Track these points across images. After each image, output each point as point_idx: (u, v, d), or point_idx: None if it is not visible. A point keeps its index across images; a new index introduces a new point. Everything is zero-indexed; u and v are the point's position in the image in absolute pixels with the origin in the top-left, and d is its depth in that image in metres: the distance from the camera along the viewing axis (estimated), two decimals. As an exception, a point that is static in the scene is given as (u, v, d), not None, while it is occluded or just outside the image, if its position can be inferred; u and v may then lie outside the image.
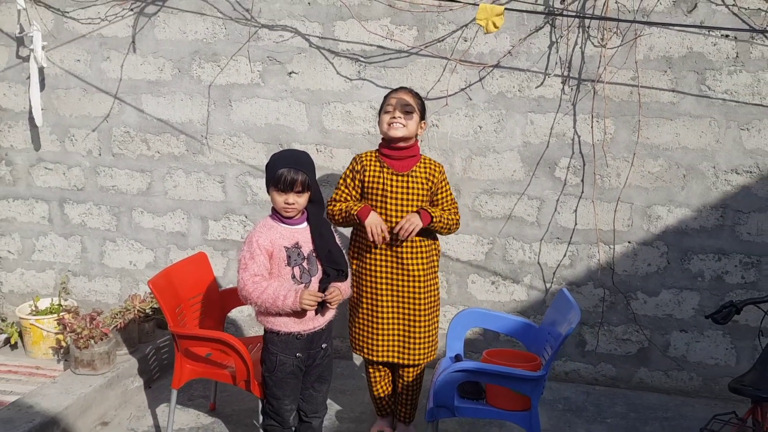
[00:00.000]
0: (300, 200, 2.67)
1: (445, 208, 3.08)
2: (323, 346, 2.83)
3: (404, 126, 2.96)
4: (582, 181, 3.72)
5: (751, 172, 3.54)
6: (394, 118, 2.96)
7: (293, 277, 2.67)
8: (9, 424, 3.00)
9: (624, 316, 3.79)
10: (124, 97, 4.13)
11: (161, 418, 3.43)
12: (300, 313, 2.68)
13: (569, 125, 3.69)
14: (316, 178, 2.76)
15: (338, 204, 3.07)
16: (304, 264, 2.70)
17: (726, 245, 3.63)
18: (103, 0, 4.03)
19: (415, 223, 2.91)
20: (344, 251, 2.85)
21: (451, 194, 3.13)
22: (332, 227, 2.86)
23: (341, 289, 2.75)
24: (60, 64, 4.15)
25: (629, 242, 3.73)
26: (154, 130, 4.13)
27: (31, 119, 4.17)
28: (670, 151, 3.61)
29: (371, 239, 2.93)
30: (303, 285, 2.68)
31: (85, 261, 4.34)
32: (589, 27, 3.56)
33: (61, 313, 3.86)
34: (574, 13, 3.51)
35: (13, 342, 4.12)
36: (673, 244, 3.69)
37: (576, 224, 3.78)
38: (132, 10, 4.02)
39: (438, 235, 3.16)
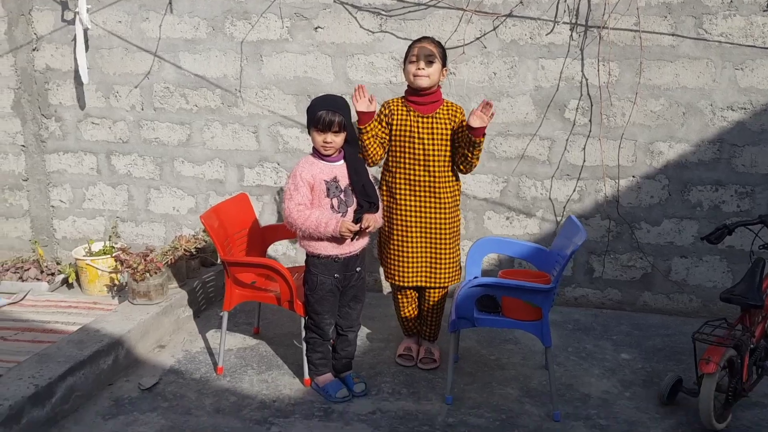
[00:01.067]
0: (337, 139, 3.01)
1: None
2: (357, 269, 3.21)
3: (428, 77, 3.27)
4: (590, 121, 4.03)
5: (745, 108, 3.83)
6: (418, 69, 3.26)
7: (332, 207, 3.03)
8: (80, 345, 3.40)
9: (629, 245, 4.13)
10: (163, 55, 4.45)
11: (211, 341, 3.84)
12: (338, 239, 3.06)
13: (577, 69, 3.98)
14: None
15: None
16: (342, 196, 3.05)
17: (723, 177, 3.94)
18: (140, -36, 4.34)
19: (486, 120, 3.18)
20: (376, 187, 3.20)
21: None
22: (366, 165, 3.20)
23: (373, 219, 3.11)
24: (103, 26, 4.47)
25: (633, 176, 4.05)
26: (192, 85, 4.46)
27: (78, 78, 4.51)
28: (670, 90, 3.90)
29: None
30: (340, 214, 3.04)
31: (132, 208, 4.73)
32: (594, -26, 3.83)
33: (115, 253, 4.26)
34: (580, -36, 3.78)
35: (70, 281, 4.54)
36: (673, 177, 4.01)
37: (584, 161, 4.09)
38: (168, -28, 4.33)
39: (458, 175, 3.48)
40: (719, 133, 3.89)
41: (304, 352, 3.31)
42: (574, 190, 4.14)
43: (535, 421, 3.04)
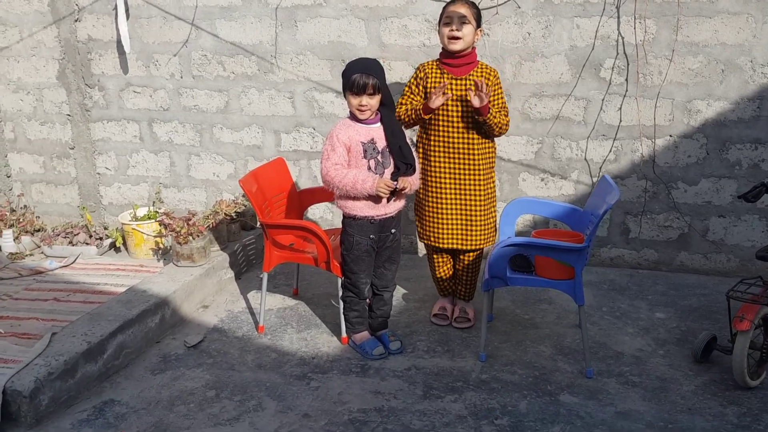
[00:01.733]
0: (372, 102, 3.04)
1: (499, 110, 3.41)
2: (393, 231, 3.28)
3: (461, 38, 3.27)
4: (626, 80, 3.98)
5: (788, 62, 3.74)
6: (452, 31, 3.26)
7: (369, 168, 3.09)
8: (129, 304, 3.56)
9: (665, 205, 4.10)
10: (200, 23, 4.53)
11: (252, 301, 3.97)
12: (374, 200, 3.12)
13: (613, 27, 3.92)
14: None
15: (404, 107, 3.44)
16: (378, 157, 3.10)
17: (762, 135, 3.87)
18: (175, -68, 4.39)
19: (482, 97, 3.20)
20: (413, 149, 3.23)
21: (503, 98, 3.43)
22: (402, 127, 3.24)
23: (410, 181, 3.15)
24: (141, -5, 4.57)
25: (670, 136, 4.01)
26: (229, 52, 4.54)
27: (119, 47, 4.62)
28: (709, 47, 3.82)
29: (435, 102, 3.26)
30: (377, 175, 3.10)
31: (174, 174, 4.87)
32: (631, -70, 3.74)
33: (159, 217, 4.41)
34: None
35: (117, 245, 4.72)
36: (711, 136, 3.95)
37: (620, 121, 4.06)
38: (202, -60, 4.38)
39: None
40: (759, 90, 3.80)
41: (341, 310, 3.41)
42: (610, 151, 4.11)
43: (567, 378, 3.09)
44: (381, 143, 3.12)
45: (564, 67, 4.05)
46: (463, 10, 3.24)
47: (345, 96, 3.10)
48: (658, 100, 3.96)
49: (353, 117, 3.13)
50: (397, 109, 3.44)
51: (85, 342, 3.16)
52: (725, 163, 3.96)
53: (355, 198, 3.12)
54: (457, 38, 3.24)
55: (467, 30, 3.25)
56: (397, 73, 4.30)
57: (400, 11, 4.20)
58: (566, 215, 3.51)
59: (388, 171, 3.13)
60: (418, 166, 3.26)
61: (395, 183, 3.09)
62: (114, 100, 4.81)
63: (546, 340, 3.45)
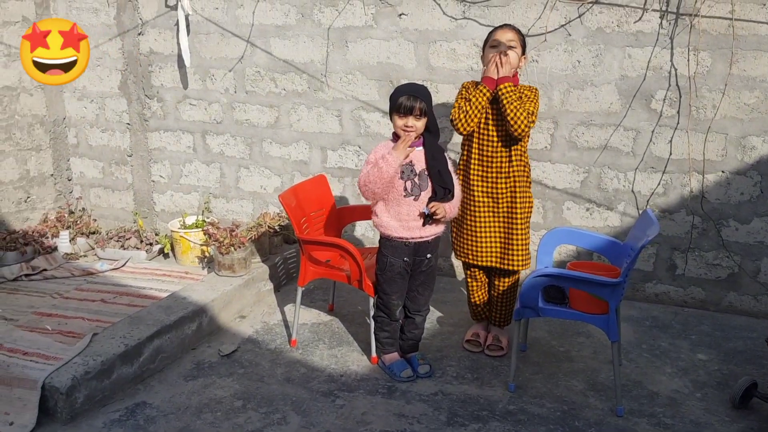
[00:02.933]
0: (418, 124, 3.03)
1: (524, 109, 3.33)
2: (428, 256, 3.26)
3: (509, 62, 3.24)
4: (678, 112, 3.88)
5: None
6: (501, 55, 3.25)
7: (405, 189, 3.10)
8: (168, 310, 3.67)
9: (715, 243, 3.96)
10: (255, 40, 4.66)
11: (288, 315, 4.03)
12: (409, 222, 3.12)
13: (666, 59, 3.83)
14: None
15: (456, 106, 3.37)
16: (416, 179, 3.10)
17: (822, 175, 3.71)
18: (237, -48, 4.54)
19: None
20: (453, 176, 3.19)
21: (533, 106, 3.27)
22: (445, 154, 3.20)
23: (445, 208, 3.13)
24: (201, 12, 4.73)
25: (722, 172, 3.87)
26: (281, 69, 4.65)
27: (180, 61, 4.80)
28: (766, 82, 3.69)
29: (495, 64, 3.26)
30: (413, 197, 3.10)
31: (224, 185, 5.00)
32: (688, -39, 3.67)
33: (205, 227, 4.53)
34: (673, -52, 3.63)
35: (166, 252, 4.87)
36: (766, 174, 3.80)
37: (671, 154, 3.95)
38: (262, -40, 4.51)
39: (530, 162, 3.47)
40: (822, 126, 3.65)
41: (372, 330, 3.42)
42: (659, 184, 4.01)
43: (597, 415, 3.01)
44: (419, 165, 3.12)
45: (614, 96, 3.98)
46: (510, 34, 3.25)
47: (391, 118, 3.10)
48: (710, 134, 3.84)
49: (396, 138, 3.14)
50: (452, 115, 3.38)
51: (123, 344, 3.27)
52: (780, 203, 3.81)
53: (383, 189, 3.08)
54: (505, 63, 3.24)
55: (513, 55, 3.25)
56: (444, 95, 4.31)
57: (449, 35, 4.22)
58: (605, 248, 3.43)
59: (425, 194, 3.13)
60: (458, 193, 3.23)
61: (411, 138, 3.03)
62: (171, 111, 4.99)
63: (579, 375, 3.37)
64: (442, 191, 3.12)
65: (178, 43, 4.71)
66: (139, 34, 4.90)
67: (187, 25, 4.71)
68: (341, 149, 4.66)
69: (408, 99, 3.01)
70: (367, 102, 4.50)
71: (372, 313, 3.41)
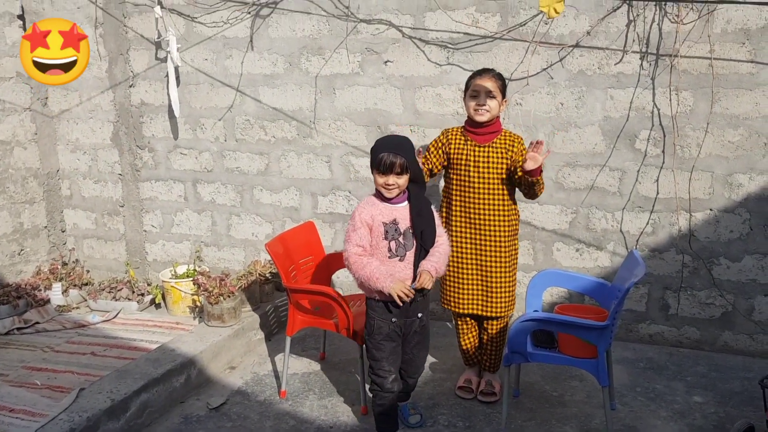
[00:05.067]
0: (399, 181, 2.90)
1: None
2: (419, 315, 3.05)
3: (488, 111, 3.30)
4: (662, 151, 3.89)
5: (835, 137, 3.58)
6: (478, 105, 3.29)
7: (389, 250, 2.94)
8: (156, 363, 3.64)
9: (707, 281, 3.93)
10: (244, 89, 4.71)
11: (279, 365, 3.98)
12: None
13: (648, 99, 3.86)
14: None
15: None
16: (401, 239, 2.95)
17: (810, 211, 3.69)
18: (225, 5, 4.62)
19: (540, 160, 3.21)
20: (440, 228, 3.09)
21: None
22: (432, 207, 3.07)
23: (426, 281, 2.93)
24: (191, 63, 4.80)
25: (711, 210, 3.86)
26: (270, 117, 4.70)
27: (170, 111, 4.86)
28: (750, 120, 3.70)
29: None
30: (398, 258, 2.95)
31: (215, 233, 5.01)
32: (665, 4, 3.71)
33: (196, 276, 4.52)
34: (649, -8, 3.69)
35: (157, 302, 4.85)
36: (755, 211, 3.78)
37: (657, 193, 3.95)
38: (249, 13, 4.59)
39: (518, 203, 3.48)
40: (806, 164, 3.65)
41: (361, 379, 3.37)
42: (647, 223, 3.99)
43: (589, 463, 2.95)
44: (404, 224, 2.96)
45: (598, 137, 3.99)
46: (489, 84, 3.28)
47: (372, 173, 2.97)
48: (696, 172, 3.84)
49: (378, 194, 3.00)
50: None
51: (109, 399, 3.24)
52: (770, 240, 3.78)
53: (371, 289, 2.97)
54: (484, 111, 3.28)
55: (493, 103, 3.29)
56: (431, 139, 4.31)
57: (434, 80, 4.27)
58: (594, 289, 3.41)
59: (411, 253, 2.98)
60: (445, 250, 3.07)
61: (411, 292, 2.90)
62: (162, 161, 5.03)
63: (573, 420, 3.31)
64: (424, 253, 2.98)
65: (168, 95, 4.77)
66: (131, 86, 4.97)
67: (177, 76, 4.78)
68: (332, 195, 4.67)
69: (388, 156, 2.87)
70: (356, 147, 4.53)
71: (360, 364, 3.36)
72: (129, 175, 5.12)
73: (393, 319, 3.01)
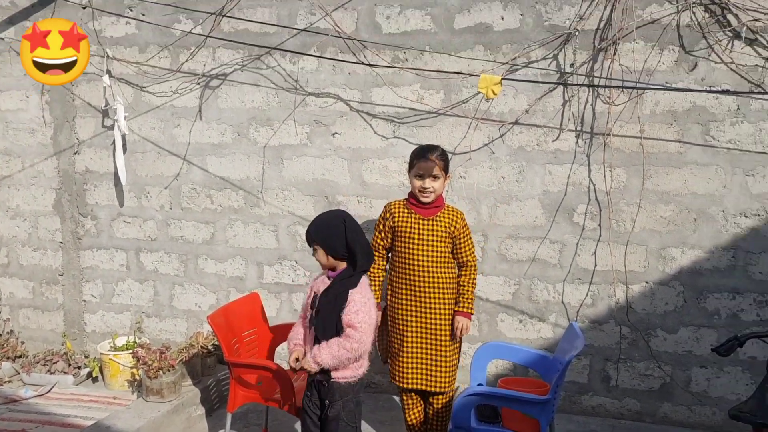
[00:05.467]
0: (320, 258, 3.01)
1: (466, 254, 3.46)
2: (326, 401, 2.95)
3: (433, 192, 3.41)
4: (599, 225, 4.02)
5: (758, 215, 3.76)
6: (423, 187, 3.39)
7: (308, 317, 3.02)
8: (89, 443, 3.49)
9: (645, 353, 4.00)
10: (192, 158, 4.71)
11: (219, 442, 3.86)
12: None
13: (585, 175, 4.01)
14: (360, 224, 3.06)
15: (372, 266, 3.36)
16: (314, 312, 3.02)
17: (740, 284, 3.83)
18: (175, 76, 4.67)
19: (467, 324, 3.40)
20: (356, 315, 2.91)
21: (470, 240, 3.50)
22: (354, 296, 2.94)
23: (315, 360, 2.89)
24: (138, 132, 4.79)
25: (646, 282, 3.98)
26: (217, 186, 4.69)
27: (116, 179, 4.80)
28: (680, 196, 3.87)
29: None
30: (310, 329, 3.00)
31: (157, 303, 4.90)
32: (598, 86, 3.91)
33: (135, 349, 4.39)
34: (583, 76, 3.90)
35: (94, 375, 4.68)
36: (688, 284, 3.91)
37: (596, 266, 4.05)
38: (199, 83, 4.64)
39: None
40: (733, 239, 3.81)
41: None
42: (587, 295, 4.08)
43: None
44: None
45: (538, 210, 4.11)
46: (433, 164, 3.37)
47: None
48: (631, 246, 3.97)
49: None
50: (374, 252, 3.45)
51: (34, 484, 3.07)
52: (704, 312, 3.90)
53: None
54: (429, 193, 3.37)
55: (437, 184, 3.39)
56: (377, 210, 4.34)
57: (380, 153, 4.36)
58: (536, 362, 3.44)
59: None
60: (348, 348, 2.88)
61: (296, 365, 2.96)
62: (105, 229, 4.94)
63: (517, 497, 3.27)
64: (317, 341, 2.94)
65: (115, 162, 4.73)
66: (75, 153, 4.92)
67: (124, 144, 4.76)
68: (278, 264, 4.64)
69: (308, 236, 3.03)
70: (303, 217, 4.54)
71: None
72: (70, 243, 5.01)
73: (308, 392, 3.04)
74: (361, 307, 2.90)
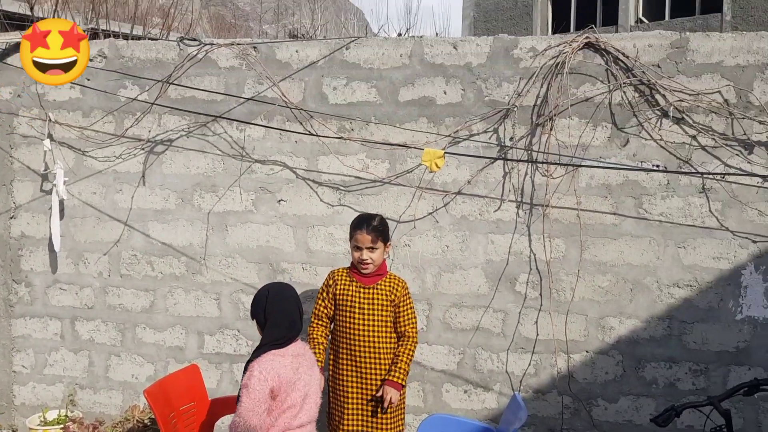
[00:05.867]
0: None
1: (405, 324, 3.47)
2: None
3: (371, 263, 3.44)
4: (540, 294, 4.08)
5: (691, 285, 3.89)
6: (362, 259, 3.43)
7: None
8: None
9: (587, 423, 4.03)
10: (133, 224, 4.63)
11: None
12: None
13: (525, 244, 4.09)
14: (300, 293, 3.18)
15: (314, 332, 3.52)
16: None
17: (675, 353, 3.92)
18: (119, 141, 4.62)
19: (395, 396, 3.36)
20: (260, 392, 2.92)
21: (411, 308, 3.53)
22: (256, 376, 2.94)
23: None
24: (78, 196, 4.69)
25: (587, 351, 4.04)
26: (159, 252, 4.60)
27: (51, 245, 4.67)
28: (616, 267, 3.98)
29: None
30: None
31: (92, 374, 4.70)
32: (536, 160, 4.04)
33: (66, 424, 4.19)
34: (522, 150, 4.03)
35: (20, 452, 4.43)
36: (627, 353, 3.99)
37: (538, 335, 4.10)
38: (143, 149, 4.60)
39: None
40: (668, 309, 3.92)
41: None
42: (530, 364, 4.11)
43: None
44: None
45: (481, 279, 4.16)
46: (370, 238, 3.42)
47: None
48: (571, 315, 4.04)
49: None
50: (311, 323, 3.48)
51: None
52: (642, 381, 3.96)
53: None
54: (367, 264, 3.39)
55: (375, 255, 3.42)
56: (322, 278, 4.29)
57: (326, 220, 4.37)
58: (479, 436, 3.42)
59: None
60: (234, 418, 2.95)
61: None
62: (39, 296, 4.76)
63: None
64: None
65: (50, 228, 4.61)
66: (12, 217, 4.78)
67: (62, 210, 4.65)
68: (219, 333, 4.54)
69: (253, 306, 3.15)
70: (247, 284, 4.48)
71: None
72: (1, 311, 4.80)
73: None
74: (247, 381, 2.92)
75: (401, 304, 3.49)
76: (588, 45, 3.96)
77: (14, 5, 8.36)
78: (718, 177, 3.79)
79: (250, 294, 4.43)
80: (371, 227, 3.44)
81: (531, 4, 14.69)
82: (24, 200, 4.77)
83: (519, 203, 4.09)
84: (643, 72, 3.86)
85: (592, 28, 3.99)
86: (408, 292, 3.53)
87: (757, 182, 3.80)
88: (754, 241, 3.82)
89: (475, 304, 4.17)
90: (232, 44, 4.48)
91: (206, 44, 4.48)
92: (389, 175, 4.27)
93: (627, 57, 3.89)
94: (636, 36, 3.97)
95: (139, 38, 6.96)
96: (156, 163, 4.59)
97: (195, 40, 4.51)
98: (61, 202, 4.65)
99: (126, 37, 6.84)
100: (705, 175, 3.82)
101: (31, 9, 6.97)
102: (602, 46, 3.93)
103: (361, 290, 3.44)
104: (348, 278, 3.51)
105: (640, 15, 13.96)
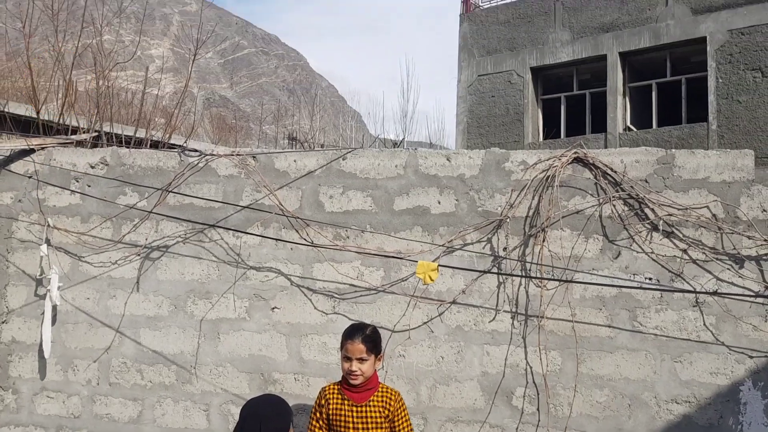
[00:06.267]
0: None
1: None
2: None
3: (361, 374, 3.39)
4: (537, 409, 3.99)
5: (689, 401, 3.82)
6: (351, 370, 3.38)
7: None
8: None
9: None
10: (125, 330, 4.58)
11: None
12: None
13: (521, 357, 4.05)
14: (292, 405, 3.11)
15: None
16: None
17: (676, 473, 3.80)
18: (115, 246, 4.65)
19: None
20: None
21: (407, 420, 3.44)
22: None
23: None
24: (71, 302, 4.67)
25: (587, 470, 3.91)
26: (149, 360, 4.53)
27: (41, 351, 4.60)
28: (613, 381, 3.92)
29: None
30: None
31: (72, 488, 4.52)
32: (530, 270, 4.07)
33: None
34: (515, 260, 4.06)
35: None
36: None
37: (536, 452, 3.98)
38: (139, 255, 4.62)
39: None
40: (667, 426, 3.82)
41: None
42: (528, 482, 3.97)
43: None
44: None
45: (477, 392, 4.08)
46: (360, 349, 3.38)
47: None
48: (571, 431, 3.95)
49: None
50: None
51: None
52: (645, 502, 3.82)
53: None
54: (357, 375, 3.34)
55: (365, 366, 3.37)
56: (315, 389, 4.22)
57: (320, 329, 4.33)
58: None
59: None
60: None
61: None
62: (26, 404, 4.64)
63: None
64: None
65: (41, 334, 4.55)
66: (3, 322, 4.73)
67: (54, 315, 4.61)
68: (207, 446, 4.40)
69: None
70: (237, 395, 4.38)
71: None
72: (-16, 419, 4.67)
73: None
74: None
75: (396, 418, 3.40)
76: (577, 159, 4.09)
77: (20, 108, 8.62)
78: (710, 293, 3.81)
79: (240, 405, 4.32)
80: (364, 336, 3.42)
81: (522, 111, 15.22)
82: (17, 305, 4.74)
83: (514, 314, 4.08)
84: (632, 186, 3.96)
85: (580, 144, 4.13)
86: (403, 404, 3.45)
87: (752, 297, 3.82)
88: (751, 356, 3.79)
89: (472, 419, 4.07)
90: (233, 154, 4.61)
91: (207, 155, 4.60)
92: (384, 283, 4.28)
93: (615, 172, 4.00)
94: (623, 152, 4.10)
95: (141, 141, 7.16)
96: (151, 269, 4.60)
97: (196, 151, 4.64)
98: (54, 308, 4.62)
99: (129, 140, 7.03)
100: (698, 291, 3.84)
101: (38, 113, 7.19)
102: (591, 161, 4.05)
103: (354, 409, 3.37)
104: (340, 396, 3.45)
105: (629, 123, 14.44)
